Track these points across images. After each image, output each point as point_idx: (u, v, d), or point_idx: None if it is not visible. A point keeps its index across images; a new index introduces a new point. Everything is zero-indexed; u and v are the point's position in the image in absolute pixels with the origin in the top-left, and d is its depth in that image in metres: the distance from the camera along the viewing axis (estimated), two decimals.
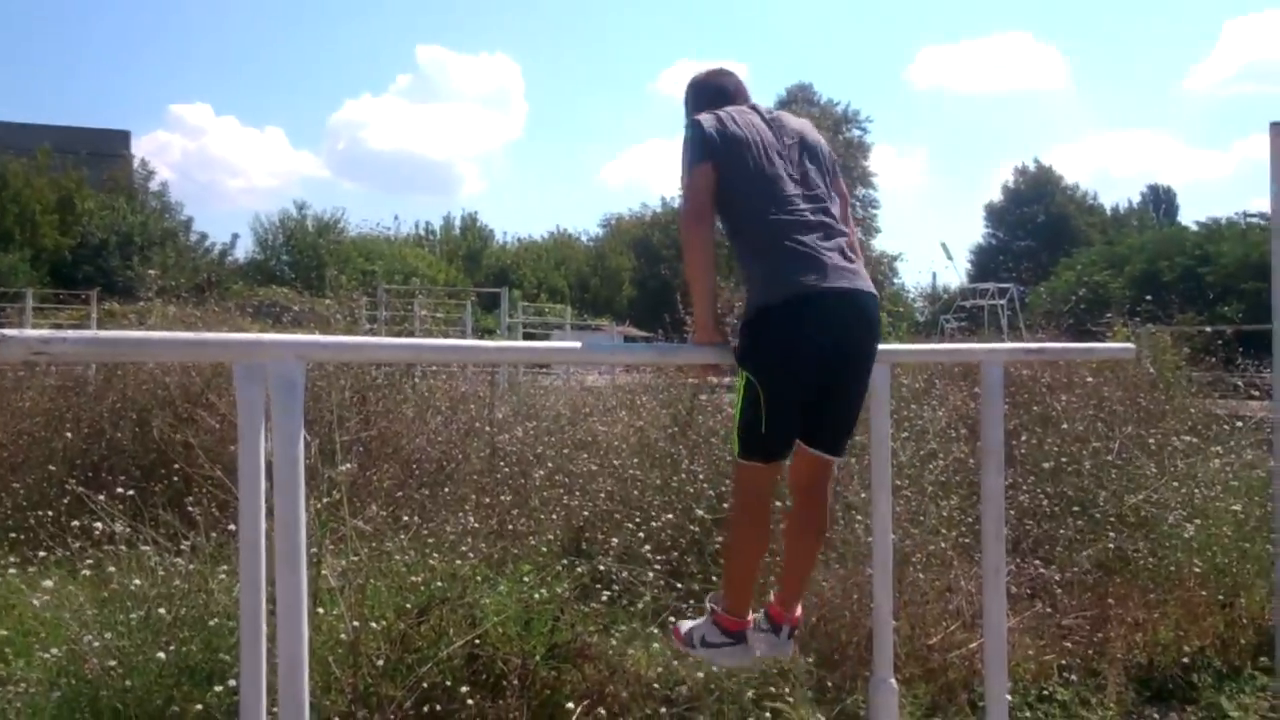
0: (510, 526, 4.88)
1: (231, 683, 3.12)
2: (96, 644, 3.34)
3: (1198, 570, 5.04)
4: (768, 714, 3.81)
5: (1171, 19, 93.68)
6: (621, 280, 50.04)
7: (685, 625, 3.32)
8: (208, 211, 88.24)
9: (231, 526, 3.69)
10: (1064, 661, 4.55)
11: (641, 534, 4.73)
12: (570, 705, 3.64)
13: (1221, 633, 4.91)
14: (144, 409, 6.05)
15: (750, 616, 3.24)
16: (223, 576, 3.64)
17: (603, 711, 3.64)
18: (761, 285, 3.02)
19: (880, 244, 52.22)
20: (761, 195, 3.09)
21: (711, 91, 3.39)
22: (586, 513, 5.22)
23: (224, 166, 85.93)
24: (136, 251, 33.28)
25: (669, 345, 3.26)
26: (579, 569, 4.35)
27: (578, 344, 3.35)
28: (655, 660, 3.94)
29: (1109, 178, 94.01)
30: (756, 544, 3.19)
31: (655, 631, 4.08)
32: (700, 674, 3.82)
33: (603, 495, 5.40)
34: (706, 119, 3.17)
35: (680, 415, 6.32)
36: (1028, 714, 4.29)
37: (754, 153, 3.13)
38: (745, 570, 3.20)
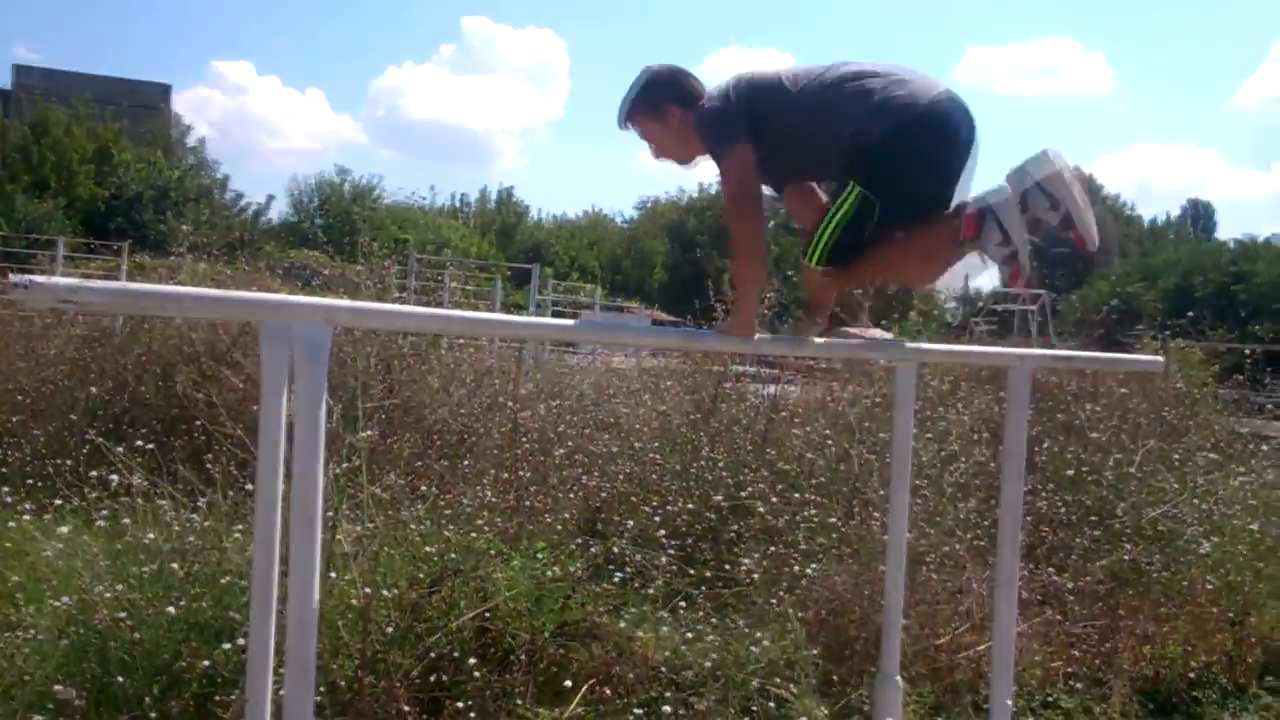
0: (527, 503, 4.89)
1: (240, 641, 3.15)
2: (108, 595, 3.36)
3: (1210, 587, 5.00)
4: (772, 703, 3.81)
5: (1221, 34, 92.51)
6: (654, 264, 49.95)
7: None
8: (244, 170, 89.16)
9: (249, 486, 3.72)
10: (1071, 669, 4.53)
11: (657, 518, 4.74)
12: (576, 684, 3.65)
13: (1229, 650, 4.88)
14: (169, 364, 6.08)
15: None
16: (237, 535, 3.66)
17: (608, 691, 3.66)
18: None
19: None
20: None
21: (681, 90, 3.28)
22: (604, 494, 5.23)
23: (263, 126, 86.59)
24: (170, 206, 33.49)
25: (695, 330, 3.25)
26: (593, 549, 4.36)
27: (607, 323, 3.35)
28: (663, 644, 3.94)
29: (1150, 189, 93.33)
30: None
31: (665, 615, 4.09)
32: (707, 661, 3.82)
33: (621, 477, 5.41)
34: (716, 99, 3.14)
35: (704, 402, 6.31)
36: (1031, 719, 4.28)
37: (783, 82, 3.15)
38: None
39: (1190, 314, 12.58)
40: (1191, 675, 4.74)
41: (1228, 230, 69.59)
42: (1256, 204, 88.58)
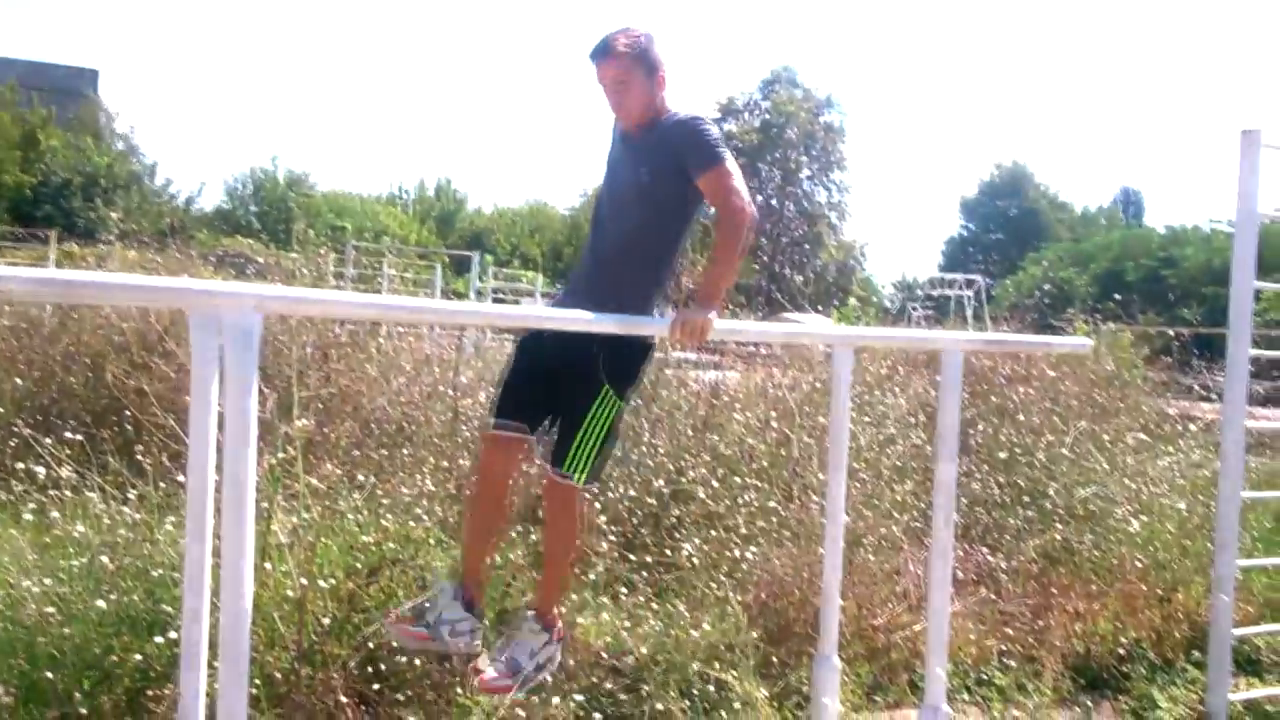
0: (467, 491, 4.86)
1: (173, 634, 3.10)
2: (36, 590, 3.30)
3: (1139, 565, 5.13)
4: (712, 686, 3.84)
5: (1154, 25, 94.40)
6: None
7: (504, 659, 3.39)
8: (175, 157, 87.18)
9: (181, 477, 3.66)
10: (1004, 647, 4.62)
11: (598, 504, 4.74)
12: None
13: (1157, 626, 5.01)
14: (98, 354, 5.95)
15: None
16: (169, 527, 3.61)
17: (549, 679, 3.65)
18: (653, 313, 3.42)
19: (853, 230, 52.34)
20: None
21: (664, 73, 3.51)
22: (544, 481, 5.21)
23: (195, 112, 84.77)
24: (100, 194, 32.69)
25: (636, 316, 3.27)
26: (533, 536, 4.35)
27: (549, 309, 3.37)
28: (604, 630, 3.95)
29: (1082, 176, 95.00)
30: (572, 557, 3.69)
31: (606, 601, 4.09)
32: (647, 646, 3.84)
33: None
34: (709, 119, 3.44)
35: (644, 388, 6.32)
36: (966, 697, 4.36)
37: None
38: (568, 577, 3.68)
39: (1120, 298, 12.84)
40: (1121, 651, 4.86)
41: (1157, 217, 71.22)
42: (1184, 190, 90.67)
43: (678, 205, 3.43)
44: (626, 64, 3.37)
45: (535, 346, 3.49)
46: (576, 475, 3.36)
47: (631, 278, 3.39)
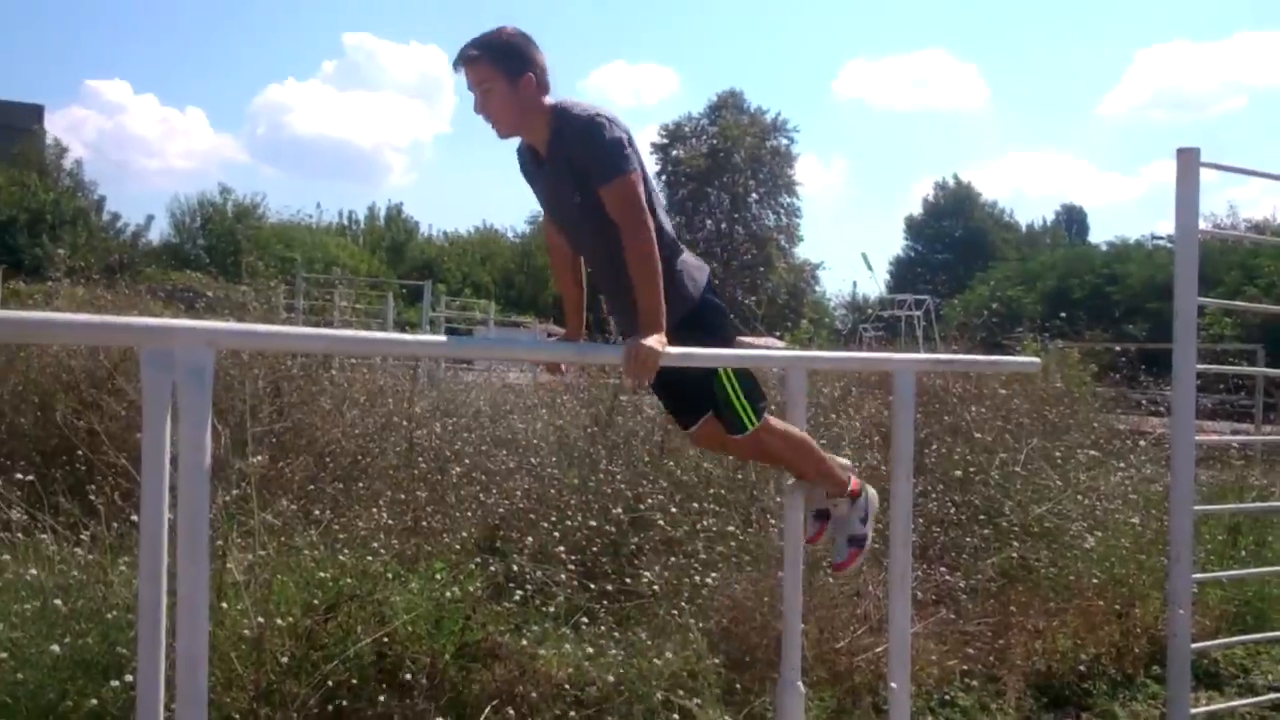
0: (424, 523, 4.82)
1: (129, 678, 3.04)
2: None
3: (1096, 581, 5.18)
4: (676, 715, 3.82)
5: (1087, 46, 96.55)
6: (547, 278, 49.81)
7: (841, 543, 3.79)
8: (122, 192, 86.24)
9: (134, 517, 3.60)
10: (966, 667, 4.64)
11: (557, 534, 4.72)
12: (479, 705, 3.61)
13: (1117, 642, 5.06)
14: (47, 392, 5.85)
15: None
16: (123, 568, 3.54)
17: (511, 712, 3.62)
18: (686, 281, 3.37)
19: (803, 252, 52.84)
20: (658, 208, 3.34)
21: (540, 67, 3.21)
22: (502, 510, 5.19)
23: (140, 146, 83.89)
24: (46, 230, 32.21)
25: (591, 345, 3.27)
26: (492, 568, 4.32)
27: (502, 340, 3.35)
28: (566, 661, 3.93)
29: (1025, 196, 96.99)
30: (807, 446, 3.60)
31: (567, 632, 4.07)
32: (610, 676, 3.82)
33: (519, 494, 5.38)
34: (620, 124, 3.18)
35: (600, 415, 6.32)
36: (930, 718, 4.38)
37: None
38: (819, 459, 3.64)
39: (1066, 315, 13.05)
40: (1082, 668, 4.90)
41: (1100, 234, 72.47)
42: (1125, 207, 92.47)
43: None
44: (484, 69, 3.13)
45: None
46: (749, 424, 3.43)
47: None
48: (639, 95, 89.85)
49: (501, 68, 3.12)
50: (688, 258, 3.48)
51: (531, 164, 3.37)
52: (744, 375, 3.45)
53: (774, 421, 3.54)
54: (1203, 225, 4.62)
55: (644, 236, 3.10)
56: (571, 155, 3.17)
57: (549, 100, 3.21)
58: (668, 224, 3.39)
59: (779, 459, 3.65)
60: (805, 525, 3.65)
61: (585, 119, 3.13)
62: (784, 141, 51.70)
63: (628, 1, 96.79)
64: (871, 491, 3.81)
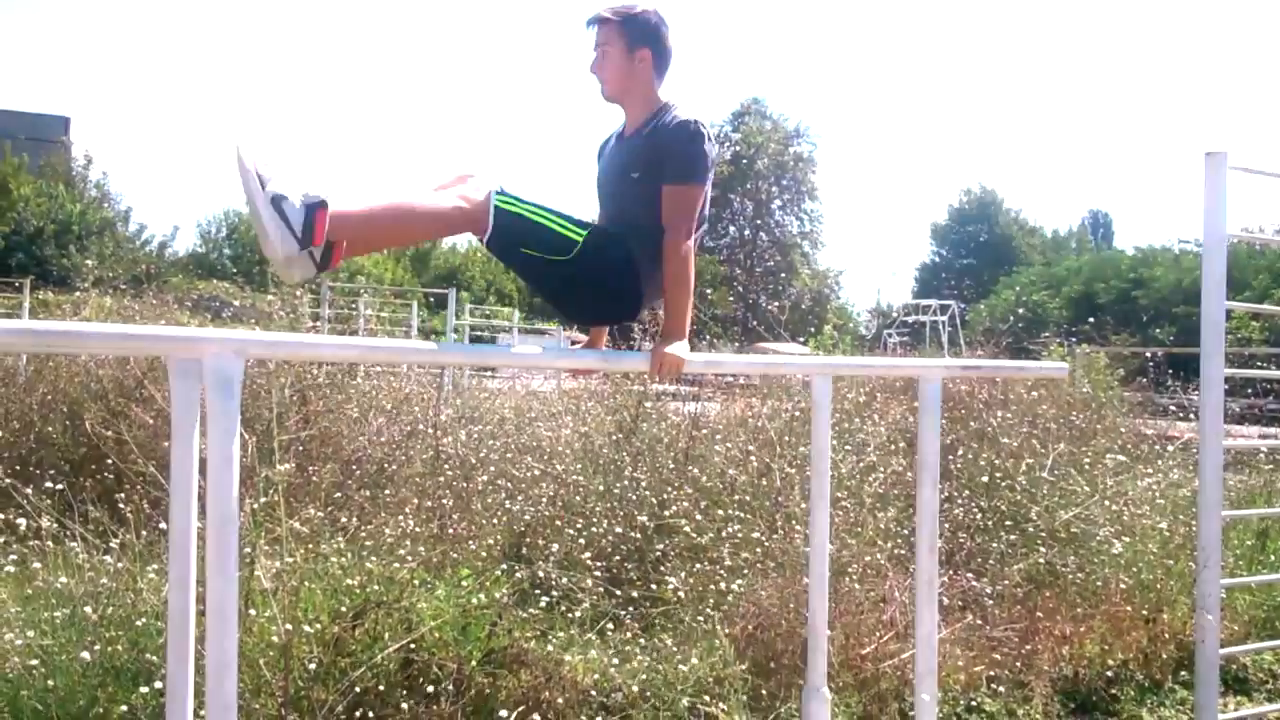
0: (450, 530, 4.84)
1: (158, 684, 3.07)
2: (19, 642, 3.26)
3: (1124, 586, 5.14)
4: None
5: (1113, 49, 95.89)
6: None
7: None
8: (148, 202, 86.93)
9: (163, 525, 3.63)
10: (993, 673, 4.62)
11: (582, 540, 4.73)
12: (505, 711, 3.62)
13: (1144, 647, 5.02)
14: (76, 402, 5.92)
15: None
16: (152, 575, 3.57)
17: (538, 718, 3.63)
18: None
19: (826, 258, 52.73)
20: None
21: (663, 50, 3.35)
22: (528, 517, 5.21)
23: (167, 155, 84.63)
24: (73, 240, 32.56)
25: (616, 352, 3.29)
26: (518, 574, 4.33)
27: (526, 348, 3.35)
28: (592, 667, 3.93)
29: (1050, 201, 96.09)
30: None
31: (593, 638, 4.07)
32: (636, 682, 3.82)
33: (545, 500, 5.39)
34: (714, 142, 3.27)
35: (625, 422, 6.33)
36: None
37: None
38: None
39: (1093, 320, 12.96)
40: (1109, 673, 4.87)
41: (1126, 238, 72.01)
42: (1152, 211, 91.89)
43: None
44: (609, 31, 3.29)
45: None
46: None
47: (637, 245, 3.22)
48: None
49: (625, 36, 3.27)
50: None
51: (616, 140, 3.45)
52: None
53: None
54: (1231, 229, 4.58)
55: (687, 245, 3.17)
56: (658, 142, 3.23)
57: (661, 90, 3.35)
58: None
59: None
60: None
61: (691, 120, 3.23)
62: (807, 148, 51.62)
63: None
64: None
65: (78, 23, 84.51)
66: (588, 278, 3.17)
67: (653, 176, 3.21)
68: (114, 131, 79.51)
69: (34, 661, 3.21)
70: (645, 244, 3.20)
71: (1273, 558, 6.00)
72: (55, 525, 3.86)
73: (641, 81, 3.31)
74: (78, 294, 7.56)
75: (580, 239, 3.12)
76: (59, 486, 4.26)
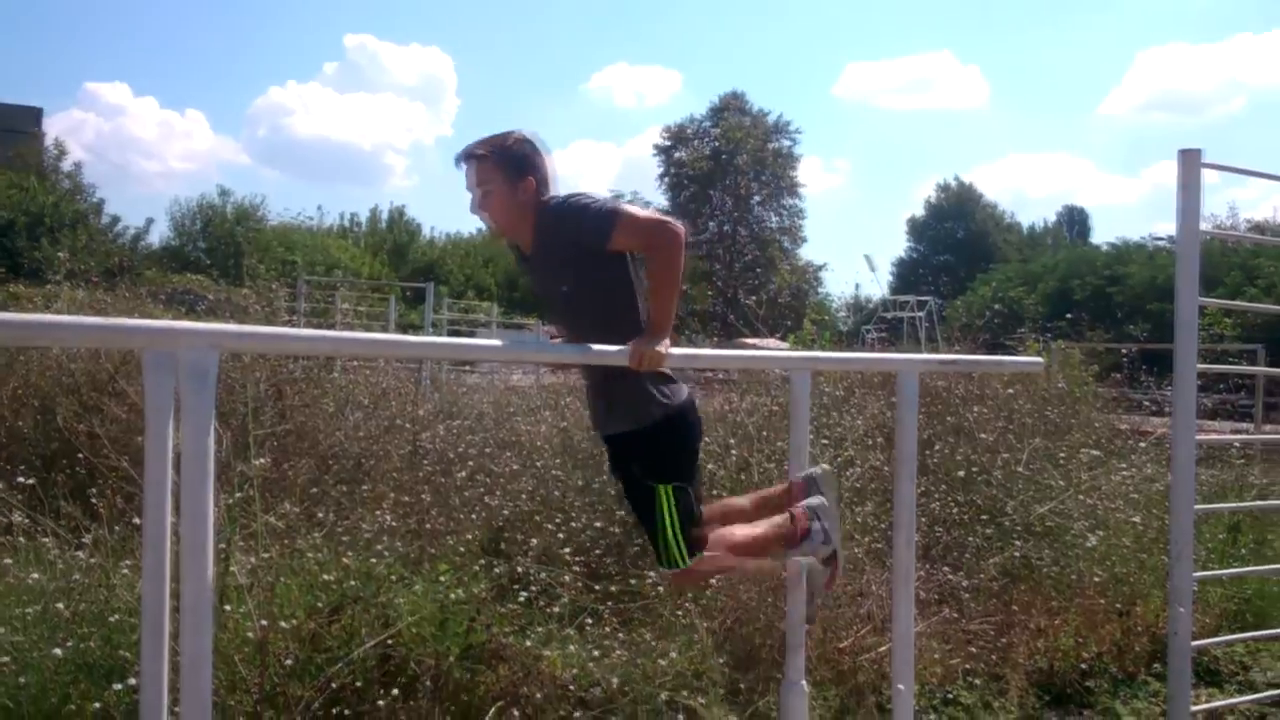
0: (429, 525, 4.82)
1: (131, 681, 3.05)
2: None
3: (1098, 579, 5.18)
4: (681, 715, 3.82)
5: (1088, 48, 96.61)
6: None
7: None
8: (121, 194, 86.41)
9: (136, 520, 3.60)
10: (969, 666, 4.64)
11: (561, 535, 4.72)
12: (484, 707, 3.61)
13: (1118, 640, 5.06)
14: (47, 396, 5.86)
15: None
16: (125, 571, 3.54)
17: (516, 713, 3.62)
18: (670, 386, 3.34)
19: (806, 253, 52.82)
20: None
21: (543, 174, 3.31)
22: (507, 512, 5.19)
23: (140, 148, 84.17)
24: (46, 233, 32.21)
25: (596, 346, 3.28)
26: (497, 569, 4.32)
27: (504, 342, 3.36)
28: (571, 662, 3.93)
29: (1026, 197, 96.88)
30: (742, 550, 3.44)
31: (572, 633, 4.07)
32: (615, 677, 3.82)
33: (524, 495, 5.38)
34: (592, 193, 3.28)
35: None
36: (933, 717, 4.38)
37: None
38: (760, 545, 3.46)
39: (1069, 316, 13.04)
40: (1084, 666, 4.91)
41: (1102, 235, 72.52)
42: (1126, 208, 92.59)
43: (610, 269, 3.27)
44: (487, 170, 3.23)
45: (613, 471, 3.58)
46: (680, 563, 3.31)
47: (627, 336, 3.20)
48: (641, 97, 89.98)
49: (504, 171, 3.22)
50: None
51: (522, 260, 3.47)
52: (686, 509, 3.32)
53: (710, 553, 3.38)
54: (1204, 226, 4.61)
55: (674, 248, 3.14)
56: (553, 242, 3.23)
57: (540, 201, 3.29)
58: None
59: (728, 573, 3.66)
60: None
61: (558, 203, 3.23)
62: (786, 143, 51.66)
63: (630, 3, 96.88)
64: (815, 502, 3.52)
65: (49, 11, 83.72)
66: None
67: (581, 274, 3.22)
68: (88, 122, 78.84)
69: (5, 658, 3.17)
70: (630, 330, 3.20)
71: (1244, 551, 6.06)
72: (27, 521, 3.82)
73: (527, 209, 3.26)
74: (49, 287, 7.48)
75: (653, 489, 3.32)
76: (30, 481, 4.21)
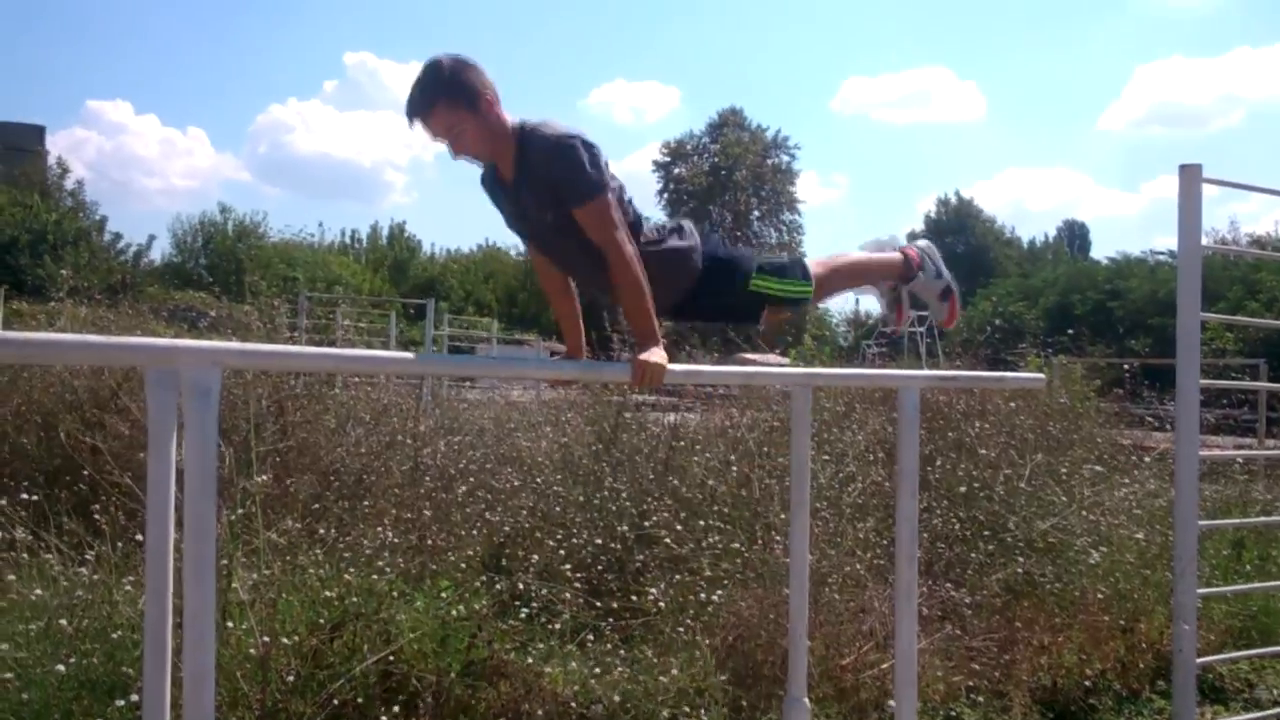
0: (430, 541, 4.82)
1: (134, 697, 3.04)
2: None
3: (1101, 596, 5.17)
4: None
5: (1086, 61, 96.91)
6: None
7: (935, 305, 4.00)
8: (123, 212, 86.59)
9: (139, 536, 3.60)
10: (972, 683, 4.63)
11: (562, 551, 4.72)
12: None
13: (1122, 657, 5.04)
14: (50, 412, 5.86)
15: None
16: (128, 588, 3.54)
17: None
18: (679, 256, 3.45)
19: None
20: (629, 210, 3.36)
21: (492, 87, 3.16)
22: (507, 528, 5.19)
23: (141, 165, 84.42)
24: (48, 250, 32.31)
25: (597, 362, 3.28)
26: (498, 585, 4.32)
27: (506, 358, 3.37)
28: (571, 679, 3.92)
29: (1026, 212, 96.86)
30: (858, 267, 3.91)
31: (573, 649, 4.06)
32: (616, 693, 3.81)
33: (524, 511, 5.37)
34: (585, 141, 3.13)
35: (605, 432, 6.33)
36: None
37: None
38: (874, 265, 3.94)
39: (1070, 331, 13.05)
40: (1087, 683, 4.89)
41: (1102, 249, 72.52)
42: (1126, 222, 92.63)
43: None
44: (446, 112, 3.08)
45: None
46: (806, 295, 3.66)
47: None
48: (640, 113, 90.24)
49: (463, 103, 3.07)
50: (673, 239, 3.45)
51: (496, 185, 3.32)
52: (773, 268, 3.60)
53: (819, 270, 3.70)
54: (1205, 241, 4.62)
55: (624, 257, 3.10)
56: (540, 175, 3.13)
57: (511, 120, 3.18)
58: (647, 219, 3.42)
59: (842, 289, 3.93)
60: (886, 314, 4.01)
61: (553, 140, 3.10)
62: (785, 158, 51.82)
63: (628, 20, 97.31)
64: (923, 244, 3.97)
65: (51, 30, 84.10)
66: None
67: (562, 211, 3.15)
68: (90, 140, 79.10)
69: (8, 674, 3.17)
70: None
71: (1248, 567, 6.04)
72: (30, 537, 3.82)
73: (500, 127, 3.15)
74: (52, 304, 7.49)
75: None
76: (34, 498, 4.22)
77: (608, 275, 3.16)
